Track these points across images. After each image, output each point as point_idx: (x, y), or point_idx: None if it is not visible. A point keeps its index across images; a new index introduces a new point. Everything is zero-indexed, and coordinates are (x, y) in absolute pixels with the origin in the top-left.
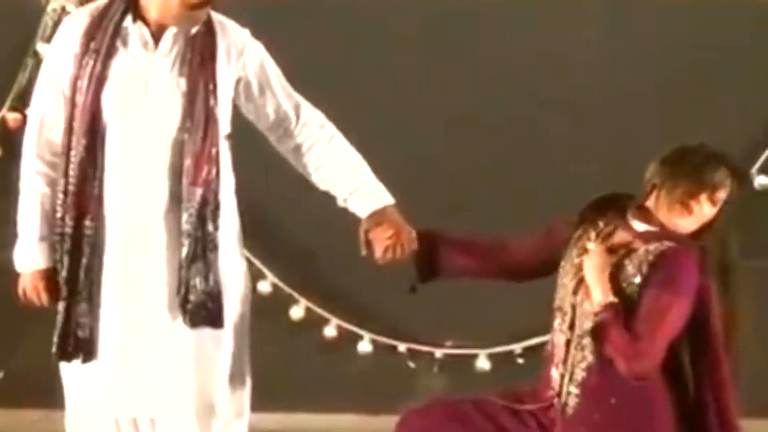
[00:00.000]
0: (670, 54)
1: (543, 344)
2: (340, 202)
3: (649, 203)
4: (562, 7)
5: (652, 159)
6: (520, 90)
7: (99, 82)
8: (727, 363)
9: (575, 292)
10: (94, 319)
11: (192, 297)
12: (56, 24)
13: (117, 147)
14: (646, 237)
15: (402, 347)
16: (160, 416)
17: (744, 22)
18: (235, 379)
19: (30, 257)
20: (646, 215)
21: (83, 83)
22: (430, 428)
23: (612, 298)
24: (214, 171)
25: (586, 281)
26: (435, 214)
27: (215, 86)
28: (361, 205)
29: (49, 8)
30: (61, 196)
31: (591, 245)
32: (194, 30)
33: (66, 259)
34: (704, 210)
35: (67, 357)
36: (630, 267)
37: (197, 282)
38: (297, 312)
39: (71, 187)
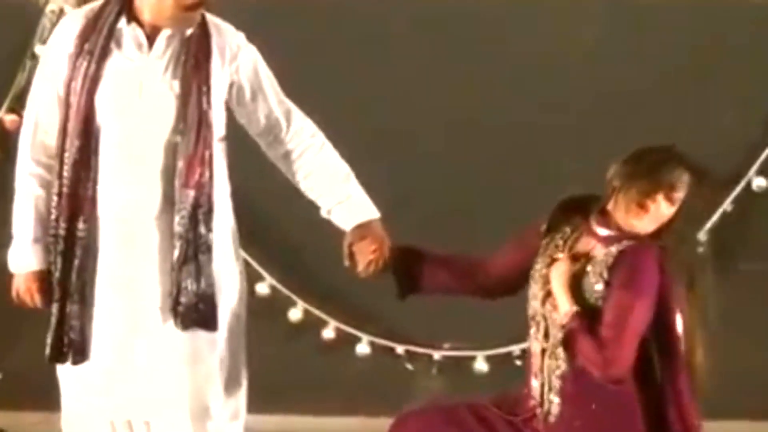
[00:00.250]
0: (669, 55)
1: None
2: (324, 213)
3: (610, 206)
4: (561, 8)
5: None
6: (520, 91)
7: (93, 83)
8: (685, 362)
9: (544, 303)
10: (87, 320)
11: (183, 299)
12: (54, 25)
13: (111, 148)
14: (608, 241)
15: (400, 349)
16: (155, 418)
17: (743, 23)
18: (231, 381)
19: (24, 259)
20: (606, 219)
21: (77, 84)
22: (426, 431)
23: (576, 308)
24: (207, 173)
25: (553, 292)
26: (434, 216)
27: (209, 89)
28: (347, 217)
29: (48, 10)
30: (55, 198)
31: (560, 255)
32: (189, 32)
33: (59, 261)
34: (662, 210)
35: (60, 358)
36: (591, 275)
37: (189, 284)
38: (295, 314)
39: (65, 189)
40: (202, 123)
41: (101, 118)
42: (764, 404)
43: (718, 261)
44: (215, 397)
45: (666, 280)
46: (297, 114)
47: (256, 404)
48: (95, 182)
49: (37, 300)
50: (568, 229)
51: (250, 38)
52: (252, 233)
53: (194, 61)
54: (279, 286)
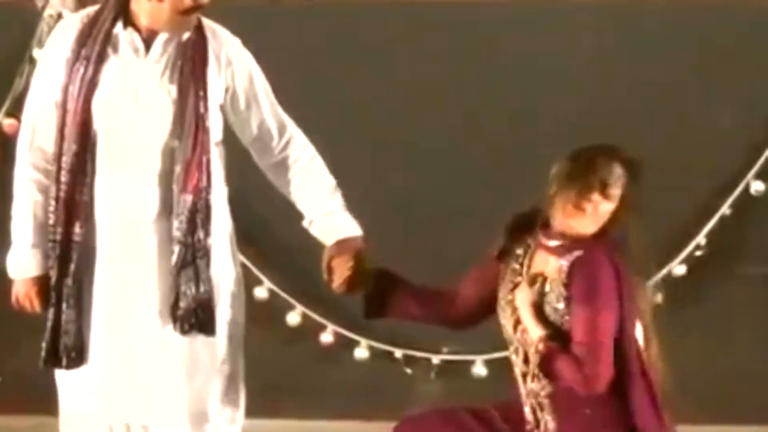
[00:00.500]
0: (668, 59)
1: None
2: (305, 224)
3: (551, 214)
4: (560, 13)
5: (647, 165)
6: (519, 95)
7: (90, 87)
8: (648, 361)
9: (516, 330)
10: (83, 325)
11: (182, 304)
12: (53, 30)
13: (108, 153)
14: (559, 251)
15: (399, 353)
16: (154, 422)
17: (742, 28)
18: (229, 385)
19: (22, 264)
20: (552, 230)
21: (74, 89)
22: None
23: (545, 332)
24: (205, 178)
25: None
26: (434, 216)
27: (206, 93)
28: (329, 231)
29: (46, 14)
30: (52, 202)
31: (519, 278)
32: (185, 36)
33: (56, 266)
34: (601, 208)
35: (55, 363)
36: (550, 294)
37: (187, 289)
38: (293, 318)
39: (62, 194)
40: (200, 127)
41: (98, 122)
42: (765, 408)
43: (716, 265)
44: (213, 401)
45: (622, 281)
46: (290, 125)
47: (255, 408)
48: (92, 187)
49: (37, 305)
50: (520, 251)
51: (246, 43)
52: (250, 237)
53: (191, 66)
54: (277, 290)
